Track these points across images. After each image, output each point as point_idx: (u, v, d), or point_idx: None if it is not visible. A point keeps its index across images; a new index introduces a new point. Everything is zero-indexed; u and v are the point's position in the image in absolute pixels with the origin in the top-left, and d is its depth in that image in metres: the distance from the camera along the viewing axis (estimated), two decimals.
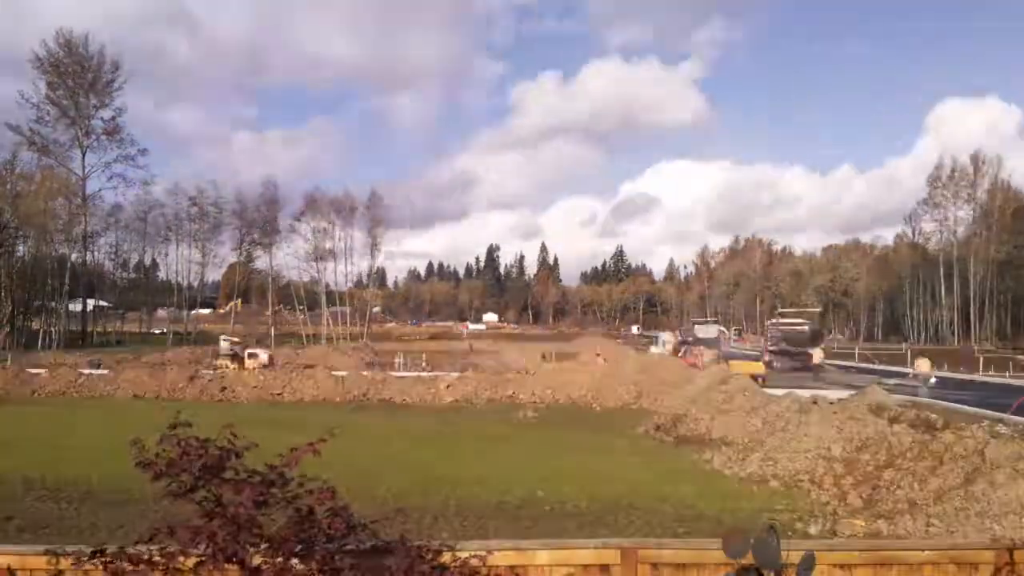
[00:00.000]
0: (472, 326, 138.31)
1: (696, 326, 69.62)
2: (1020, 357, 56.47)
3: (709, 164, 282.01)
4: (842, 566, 4.41)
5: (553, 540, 4.88)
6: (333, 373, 35.56)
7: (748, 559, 2.28)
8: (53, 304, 76.30)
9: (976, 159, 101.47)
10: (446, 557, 4.23)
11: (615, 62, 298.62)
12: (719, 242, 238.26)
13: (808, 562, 2.27)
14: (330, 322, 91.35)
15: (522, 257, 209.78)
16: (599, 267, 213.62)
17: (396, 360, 49.54)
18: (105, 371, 36.26)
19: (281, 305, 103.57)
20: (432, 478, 14.83)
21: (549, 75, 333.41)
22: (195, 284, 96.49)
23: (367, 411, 28.07)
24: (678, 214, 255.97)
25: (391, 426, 23.61)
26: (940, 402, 27.56)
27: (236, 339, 54.45)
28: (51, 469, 14.95)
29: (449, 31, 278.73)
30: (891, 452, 14.16)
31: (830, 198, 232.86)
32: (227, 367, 40.07)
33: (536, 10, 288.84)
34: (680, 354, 51.07)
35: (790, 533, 10.79)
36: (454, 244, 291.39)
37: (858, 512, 12.26)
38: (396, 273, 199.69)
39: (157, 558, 3.56)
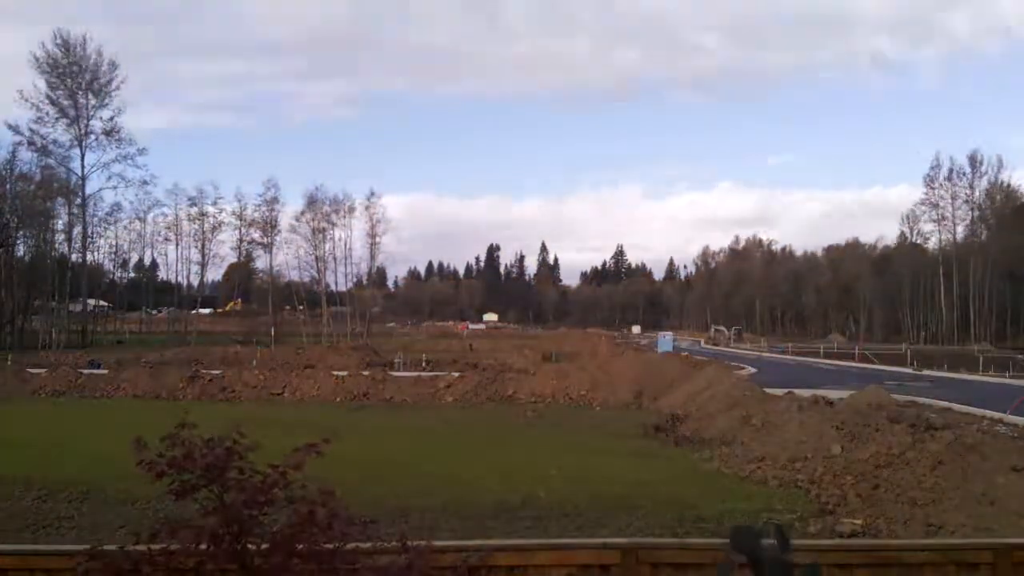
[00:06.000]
0: (472, 326, 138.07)
1: None
2: (1020, 357, 56.39)
3: None
4: (842, 566, 4.41)
5: (553, 540, 4.89)
6: (333, 373, 35.53)
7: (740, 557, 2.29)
8: (53, 304, 76.23)
9: (974, 159, 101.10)
10: (446, 557, 4.25)
11: None
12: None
13: (813, 571, 2.26)
14: (330, 322, 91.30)
15: (522, 257, 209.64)
16: (599, 267, 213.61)
17: (396, 360, 49.43)
18: (105, 371, 36.25)
19: (281, 305, 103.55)
20: (432, 478, 14.83)
21: None
22: (195, 284, 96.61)
23: (367, 411, 28.04)
24: None
25: (391, 426, 23.60)
26: (940, 402, 27.55)
27: None
28: (51, 469, 14.96)
29: None
30: (891, 452, 14.15)
31: None
32: None
33: None
34: None
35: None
36: None
37: (858, 512, 12.25)
38: (396, 272, 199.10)
39: (157, 558, 3.57)
